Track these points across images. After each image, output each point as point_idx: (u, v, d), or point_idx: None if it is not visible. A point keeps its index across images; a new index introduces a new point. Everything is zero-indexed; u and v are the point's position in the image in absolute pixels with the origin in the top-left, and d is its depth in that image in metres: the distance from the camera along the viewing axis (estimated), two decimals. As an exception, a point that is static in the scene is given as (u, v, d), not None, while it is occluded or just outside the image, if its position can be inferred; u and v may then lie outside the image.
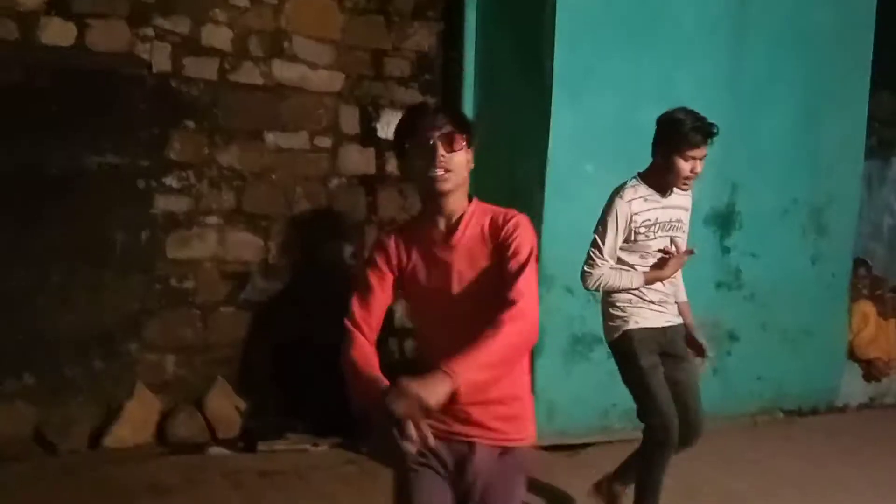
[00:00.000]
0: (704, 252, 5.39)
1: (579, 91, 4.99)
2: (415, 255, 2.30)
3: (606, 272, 3.47)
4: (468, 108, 5.54)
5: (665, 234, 3.58)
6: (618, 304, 3.57)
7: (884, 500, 4.44)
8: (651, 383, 3.49)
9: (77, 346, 4.83)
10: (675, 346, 3.63)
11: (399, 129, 2.30)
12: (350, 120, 5.50)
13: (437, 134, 2.18)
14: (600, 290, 3.53)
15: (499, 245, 2.26)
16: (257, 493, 4.14)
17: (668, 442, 3.47)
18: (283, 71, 5.27)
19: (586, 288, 3.54)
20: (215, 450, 4.79)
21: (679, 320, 3.69)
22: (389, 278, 2.32)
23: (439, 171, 2.19)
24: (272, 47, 5.23)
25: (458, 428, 2.27)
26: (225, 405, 5.12)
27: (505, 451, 2.30)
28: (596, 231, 3.54)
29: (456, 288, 2.27)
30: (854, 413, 6.14)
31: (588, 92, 5.02)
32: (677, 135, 3.42)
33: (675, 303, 3.72)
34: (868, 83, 6.03)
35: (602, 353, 5.12)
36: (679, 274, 3.72)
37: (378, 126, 5.58)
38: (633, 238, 3.51)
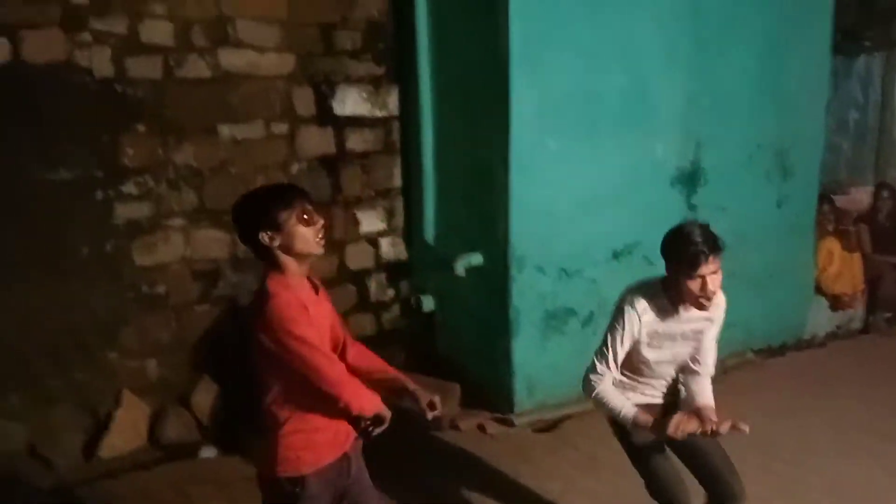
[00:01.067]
0: (671, 213, 5.42)
1: (538, 64, 4.83)
2: (310, 313, 2.63)
3: (608, 390, 3.17)
4: (424, 81, 5.40)
5: (669, 343, 3.22)
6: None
7: (846, 460, 4.63)
8: (646, 461, 3.29)
9: (55, 361, 4.83)
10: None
11: (271, 204, 2.62)
12: (305, 101, 5.36)
13: (312, 208, 2.65)
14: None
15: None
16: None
17: None
18: (231, 59, 5.09)
19: (587, 394, 3.26)
20: (207, 450, 4.89)
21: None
22: None
23: (321, 239, 2.67)
24: (216, 35, 5.03)
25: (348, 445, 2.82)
26: (211, 401, 5.20)
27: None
28: (605, 335, 3.22)
29: (329, 337, 2.74)
30: (821, 346, 6.37)
31: (547, 64, 4.85)
32: (678, 256, 3.03)
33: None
34: (831, 15, 5.91)
35: (576, 324, 5.26)
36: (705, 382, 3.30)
37: (334, 104, 5.45)
38: (643, 338, 3.19)
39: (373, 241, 5.78)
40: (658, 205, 5.34)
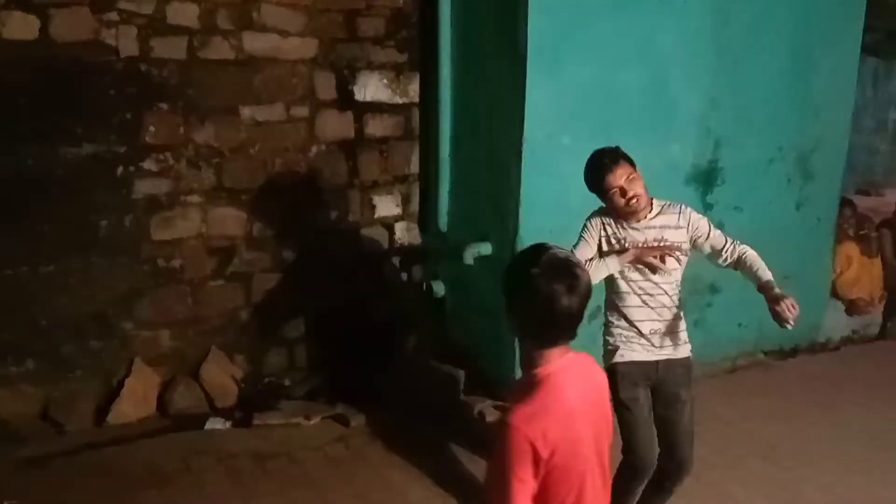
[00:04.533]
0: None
1: (555, 59, 4.83)
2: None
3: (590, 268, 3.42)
4: (445, 70, 5.44)
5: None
6: (609, 336, 3.56)
7: (846, 469, 4.61)
8: (627, 418, 3.44)
9: (74, 329, 5.01)
10: (671, 382, 3.52)
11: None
12: (326, 86, 5.44)
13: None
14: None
15: None
16: (251, 481, 4.39)
17: (637, 478, 3.50)
18: (254, 42, 5.18)
19: None
20: (213, 421, 5.02)
21: (679, 355, 3.54)
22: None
23: None
24: (241, 19, 5.12)
25: None
26: (220, 374, 5.35)
27: None
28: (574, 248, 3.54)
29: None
30: (835, 350, 6.31)
31: (565, 59, 4.85)
32: (590, 177, 3.44)
33: (679, 331, 3.56)
34: (862, 19, 5.81)
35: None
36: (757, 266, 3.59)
37: (355, 89, 5.52)
38: (614, 244, 3.51)
39: (388, 225, 5.86)
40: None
